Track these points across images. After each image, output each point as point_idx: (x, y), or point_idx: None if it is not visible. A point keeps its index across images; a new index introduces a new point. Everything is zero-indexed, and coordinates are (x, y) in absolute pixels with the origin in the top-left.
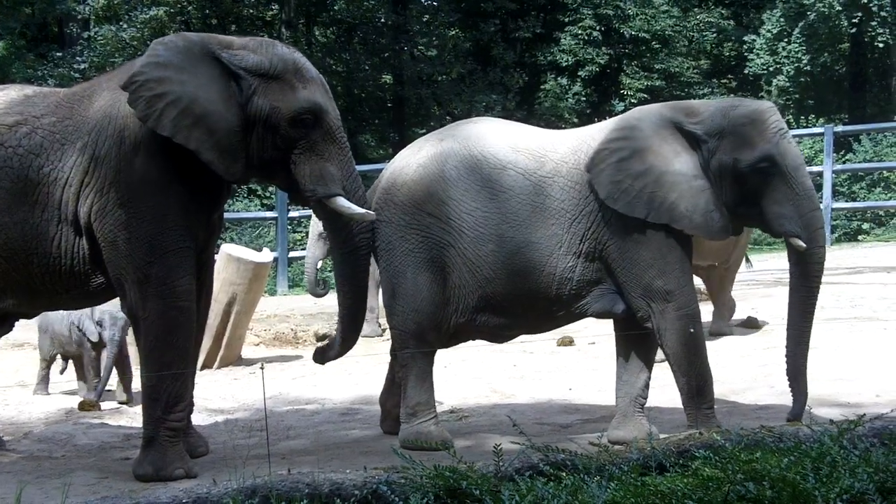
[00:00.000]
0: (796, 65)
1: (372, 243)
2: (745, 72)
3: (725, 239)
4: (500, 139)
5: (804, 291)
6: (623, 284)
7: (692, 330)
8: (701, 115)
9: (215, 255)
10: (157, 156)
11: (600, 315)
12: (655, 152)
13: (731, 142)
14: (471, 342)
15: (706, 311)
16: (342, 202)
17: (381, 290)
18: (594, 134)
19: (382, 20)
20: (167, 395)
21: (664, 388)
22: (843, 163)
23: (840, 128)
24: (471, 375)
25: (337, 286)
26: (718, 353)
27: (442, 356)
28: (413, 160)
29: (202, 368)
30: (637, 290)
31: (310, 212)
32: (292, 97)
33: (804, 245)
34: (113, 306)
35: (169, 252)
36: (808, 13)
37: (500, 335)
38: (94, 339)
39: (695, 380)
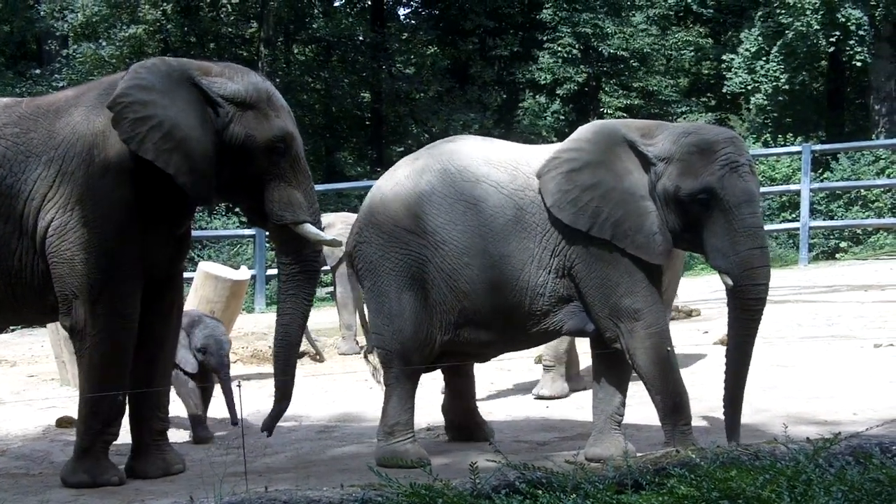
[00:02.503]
0: (774, 83)
1: (355, 265)
2: (724, 90)
3: (665, 263)
4: (474, 153)
5: (740, 327)
6: (590, 304)
7: (669, 349)
8: (655, 137)
9: (193, 273)
10: (126, 177)
11: (574, 333)
12: (607, 167)
13: (677, 168)
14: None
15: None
16: (310, 229)
17: (358, 309)
18: None
19: (361, 38)
20: (108, 410)
21: (641, 405)
22: (821, 181)
23: (818, 146)
24: None
25: (278, 316)
26: (696, 371)
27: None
28: (391, 179)
29: None
30: (604, 310)
31: None
32: (267, 126)
33: (731, 283)
34: (214, 330)
35: (124, 274)
36: (787, 32)
37: (482, 353)
38: (191, 369)
39: (670, 398)
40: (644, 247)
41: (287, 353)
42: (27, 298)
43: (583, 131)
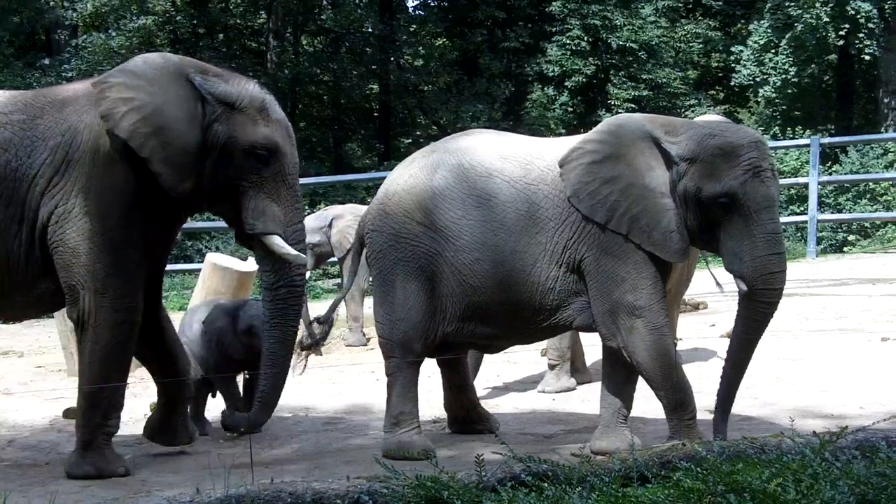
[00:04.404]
0: (783, 76)
1: (365, 254)
2: (732, 83)
3: (682, 262)
4: (488, 148)
5: (747, 327)
6: (593, 297)
7: (673, 342)
8: (679, 135)
9: (201, 264)
10: (131, 169)
11: (584, 329)
12: (628, 162)
13: (700, 170)
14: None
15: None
16: (277, 241)
17: (365, 300)
18: None
19: (370, 30)
20: (107, 403)
21: (648, 399)
22: (830, 174)
23: (827, 139)
24: None
25: (264, 336)
26: (702, 364)
27: (425, 365)
28: (405, 171)
29: None
30: (605, 305)
31: None
32: (251, 130)
33: (745, 287)
34: (259, 310)
35: (128, 267)
36: (796, 24)
37: (488, 345)
38: (238, 355)
39: (673, 392)
40: (660, 244)
41: (276, 379)
42: (21, 285)
43: (608, 123)
